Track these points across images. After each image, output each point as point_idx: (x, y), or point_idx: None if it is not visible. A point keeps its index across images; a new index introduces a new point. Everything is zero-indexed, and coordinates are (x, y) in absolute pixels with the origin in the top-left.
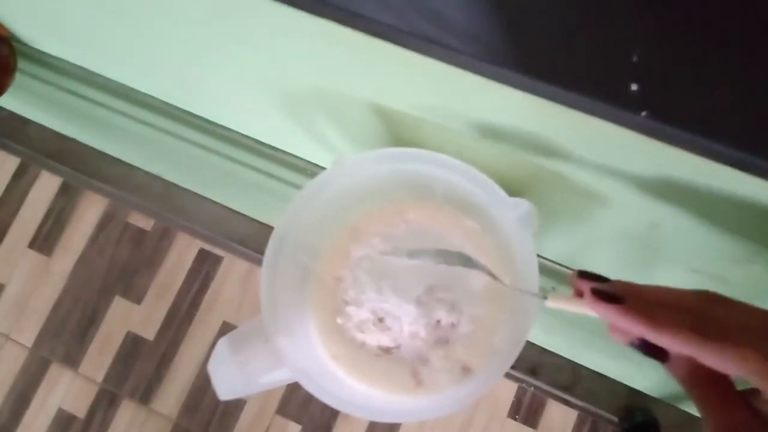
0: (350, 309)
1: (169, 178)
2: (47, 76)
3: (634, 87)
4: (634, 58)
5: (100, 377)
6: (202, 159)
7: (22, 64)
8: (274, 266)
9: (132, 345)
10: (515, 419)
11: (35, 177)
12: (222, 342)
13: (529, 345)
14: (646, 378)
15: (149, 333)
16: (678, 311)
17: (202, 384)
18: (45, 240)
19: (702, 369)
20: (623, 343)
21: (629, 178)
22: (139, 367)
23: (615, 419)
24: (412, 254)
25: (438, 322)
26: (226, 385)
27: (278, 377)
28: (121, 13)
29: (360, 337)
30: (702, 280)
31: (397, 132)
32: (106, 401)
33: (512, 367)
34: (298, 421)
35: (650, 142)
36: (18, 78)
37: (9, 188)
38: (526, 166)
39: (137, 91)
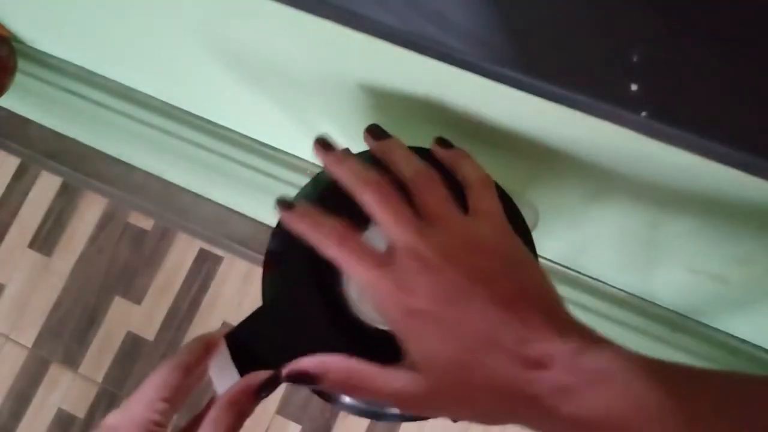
0: None
1: (169, 178)
2: (47, 76)
3: (634, 87)
4: (634, 58)
5: (100, 377)
6: (202, 159)
7: (22, 64)
8: None
9: (132, 345)
10: None
11: (35, 177)
12: (223, 342)
13: None
14: None
15: (149, 333)
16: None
17: (202, 384)
18: (45, 240)
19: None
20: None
21: (629, 178)
22: (139, 367)
23: None
24: None
25: None
26: (227, 386)
27: None
28: (121, 13)
29: None
30: (702, 280)
31: (397, 131)
32: (106, 401)
33: None
34: (298, 421)
35: (650, 142)
36: (18, 78)
37: (9, 188)
38: (526, 165)
39: (137, 91)
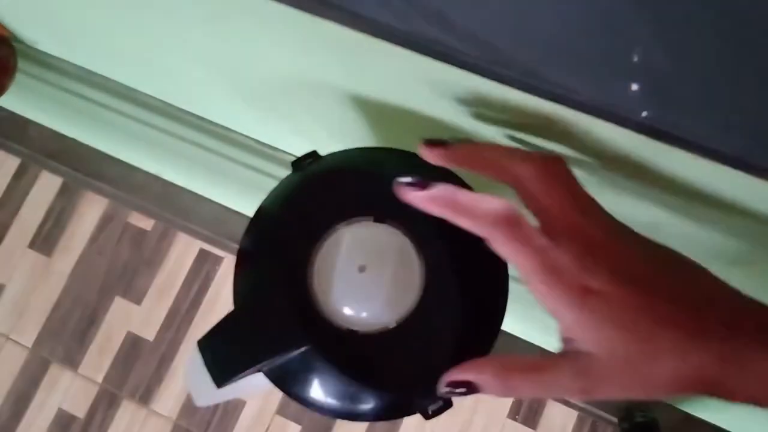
0: None
1: (169, 178)
2: (47, 76)
3: (634, 87)
4: (634, 58)
5: (100, 377)
6: (202, 159)
7: (22, 64)
8: None
9: (132, 345)
10: (515, 419)
11: (35, 177)
12: (195, 348)
13: (529, 345)
14: None
15: (149, 333)
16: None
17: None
18: (45, 240)
19: None
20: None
21: (629, 179)
22: (139, 367)
23: (615, 419)
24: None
25: None
26: (202, 391)
27: (255, 382)
28: (121, 13)
29: None
30: None
31: (396, 130)
32: (106, 401)
33: None
34: (298, 421)
35: (650, 142)
36: (18, 78)
37: (9, 188)
38: None
39: (137, 91)
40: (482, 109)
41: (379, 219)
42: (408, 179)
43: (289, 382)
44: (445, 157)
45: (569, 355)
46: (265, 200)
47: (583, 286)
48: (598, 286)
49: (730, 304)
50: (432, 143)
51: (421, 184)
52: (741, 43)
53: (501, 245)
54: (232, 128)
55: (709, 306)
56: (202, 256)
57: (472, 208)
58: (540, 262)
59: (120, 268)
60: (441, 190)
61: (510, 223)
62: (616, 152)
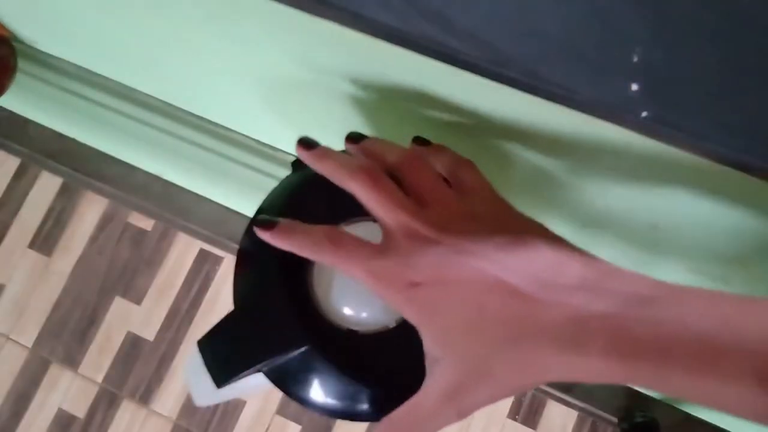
0: None
1: (169, 178)
2: (47, 76)
3: (634, 87)
4: (634, 58)
5: (100, 377)
6: (202, 159)
7: (22, 64)
8: None
9: (132, 345)
10: (515, 420)
11: (35, 177)
12: (195, 348)
13: None
14: None
15: (149, 333)
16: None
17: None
18: (45, 240)
19: None
20: None
21: (629, 179)
22: (139, 367)
23: (615, 419)
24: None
25: None
26: (201, 391)
27: (255, 382)
28: (121, 13)
29: None
30: (702, 280)
31: (396, 130)
32: (106, 401)
33: None
34: (298, 421)
35: (650, 143)
36: (18, 78)
37: (9, 188)
38: (523, 165)
39: (137, 91)
40: (476, 106)
41: None
42: (259, 219)
43: (289, 382)
44: (307, 160)
45: (429, 375)
46: (265, 200)
47: (408, 282)
48: (421, 278)
49: (569, 278)
50: (302, 143)
51: (268, 225)
52: (741, 43)
53: (334, 264)
54: (232, 128)
55: (542, 286)
56: (202, 256)
57: (305, 239)
58: (367, 272)
59: (120, 268)
60: (281, 228)
61: (332, 244)
62: (615, 152)
